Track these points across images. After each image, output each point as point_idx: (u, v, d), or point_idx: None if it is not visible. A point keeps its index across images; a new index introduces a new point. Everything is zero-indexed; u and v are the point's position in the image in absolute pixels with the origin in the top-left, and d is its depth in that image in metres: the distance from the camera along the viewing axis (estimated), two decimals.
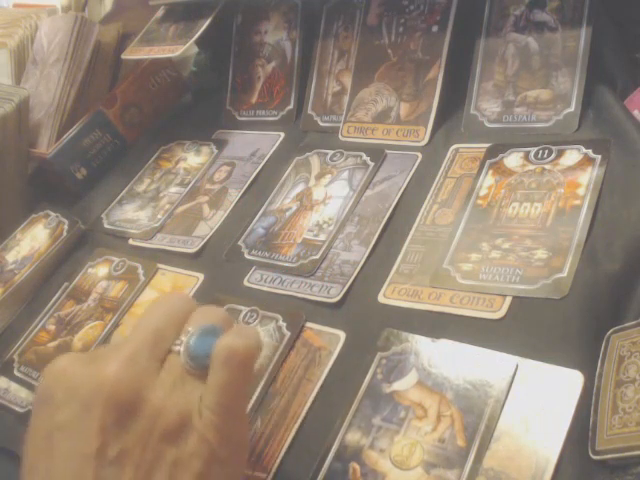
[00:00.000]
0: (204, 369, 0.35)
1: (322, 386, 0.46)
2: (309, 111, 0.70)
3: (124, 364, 0.34)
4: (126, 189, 0.73)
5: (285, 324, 0.50)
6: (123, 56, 0.76)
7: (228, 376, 0.34)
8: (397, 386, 0.43)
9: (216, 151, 0.72)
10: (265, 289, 0.54)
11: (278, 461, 0.43)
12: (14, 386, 0.58)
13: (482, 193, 0.53)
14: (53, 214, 0.72)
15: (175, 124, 0.80)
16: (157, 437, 0.33)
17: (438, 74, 0.61)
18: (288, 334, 0.49)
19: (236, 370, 0.34)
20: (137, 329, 0.36)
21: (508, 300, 0.45)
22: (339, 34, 0.70)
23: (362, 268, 0.52)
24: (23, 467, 0.34)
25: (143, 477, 0.32)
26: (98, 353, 0.36)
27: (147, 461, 0.32)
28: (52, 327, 0.61)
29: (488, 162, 0.55)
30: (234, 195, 0.65)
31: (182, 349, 0.35)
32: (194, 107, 0.82)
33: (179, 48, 0.72)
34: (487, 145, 0.56)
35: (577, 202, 0.48)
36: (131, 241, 0.66)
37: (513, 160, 0.54)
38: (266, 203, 0.62)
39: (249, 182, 0.66)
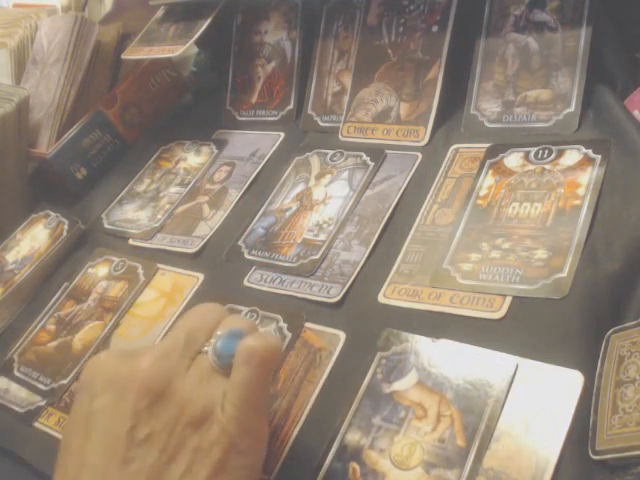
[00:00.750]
0: (229, 368, 0.38)
1: (322, 386, 0.46)
2: (309, 111, 0.70)
3: (157, 359, 0.37)
4: (126, 189, 0.73)
5: (286, 325, 0.50)
6: (123, 56, 0.76)
7: (249, 374, 0.37)
8: (397, 386, 0.43)
9: (216, 151, 0.72)
10: (265, 289, 0.54)
11: (279, 462, 0.43)
12: (14, 386, 0.58)
13: (482, 193, 0.53)
14: (53, 214, 0.72)
15: (175, 124, 0.80)
16: (182, 425, 0.36)
17: (438, 74, 0.61)
18: (289, 335, 0.49)
19: (256, 368, 0.37)
20: (172, 331, 0.40)
21: (508, 300, 0.45)
22: (339, 34, 0.70)
23: (362, 268, 0.52)
24: (60, 448, 0.38)
25: (167, 459, 0.35)
26: (134, 350, 0.40)
27: (172, 445, 0.35)
28: (52, 327, 0.61)
29: (488, 162, 0.55)
30: (234, 195, 0.65)
31: (210, 349, 0.38)
32: (194, 107, 0.82)
33: (179, 48, 0.72)
34: (487, 145, 0.56)
35: (577, 202, 0.48)
36: (131, 241, 0.66)
37: (513, 160, 0.54)
38: (266, 203, 0.62)
39: (249, 182, 0.66)
